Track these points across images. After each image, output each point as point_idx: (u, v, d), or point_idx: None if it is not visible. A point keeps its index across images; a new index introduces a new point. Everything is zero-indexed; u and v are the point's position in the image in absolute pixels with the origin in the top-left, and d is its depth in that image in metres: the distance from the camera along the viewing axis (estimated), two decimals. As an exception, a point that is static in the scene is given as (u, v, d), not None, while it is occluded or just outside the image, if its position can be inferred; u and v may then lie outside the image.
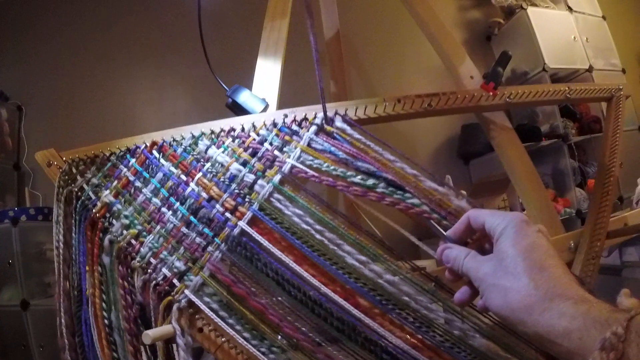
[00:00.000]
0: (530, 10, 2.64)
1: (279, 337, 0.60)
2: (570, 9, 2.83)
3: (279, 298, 0.62)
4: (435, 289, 0.64)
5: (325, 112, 0.74)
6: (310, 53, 0.67)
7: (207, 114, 0.78)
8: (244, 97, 0.81)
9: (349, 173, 0.69)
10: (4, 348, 1.91)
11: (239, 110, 0.81)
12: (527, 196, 0.95)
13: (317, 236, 0.64)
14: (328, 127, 0.74)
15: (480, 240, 0.53)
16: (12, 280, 1.96)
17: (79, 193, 0.73)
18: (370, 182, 0.68)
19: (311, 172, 0.69)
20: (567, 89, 1.01)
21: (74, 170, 0.74)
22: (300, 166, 0.70)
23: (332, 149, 0.71)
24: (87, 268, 0.69)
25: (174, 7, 2.39)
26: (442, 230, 0.56)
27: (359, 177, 0.68)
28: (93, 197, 0.73)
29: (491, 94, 0.92)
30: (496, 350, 0.64)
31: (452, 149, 2.66)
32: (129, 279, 0.68)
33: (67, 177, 0.74)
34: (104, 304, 0.67)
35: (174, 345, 0.62)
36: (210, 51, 0.99)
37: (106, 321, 0.66)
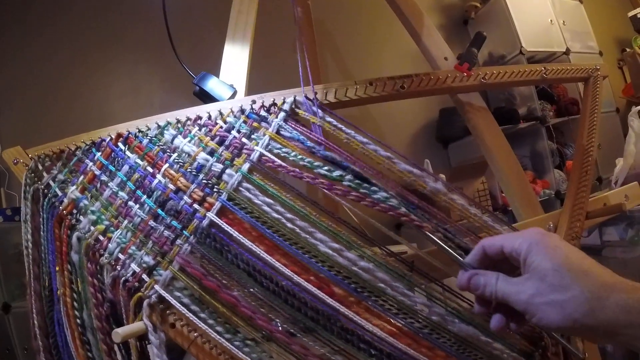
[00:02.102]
0: (507, -7, 2.64)
1: (257, 331, 0.58)
2: (547, -8, 2.83)
3: (251, 290, 0.60)
4: (412, 274, 0.63)
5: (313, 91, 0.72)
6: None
7: (183, 105, 0.75)
8: (211, 84, 0.78)
9: (315, 163, 0.67)
10: (-12, 352, 1.86)
11: (206, 98, 0.78)
12: (505, 177, 0.95)
13: (289, 225, 0.63)
14: (299, 112, 0.72)
15: (497, 266, 0.52)
16: (-7, 283, 1.91)
17: (46, 190, 0.71)
18: (337, 173, 0.67)
19: (279, 162, 0.68)
20: (543, 69, 1.00)
21: (40, 167, 0.72)
22: (269, 155, 0.68)
23: (301, 137, 0.69)
24: (56, 267, 0.67)
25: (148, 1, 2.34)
26: (461, 259, 0.54)
27: (326, 167, 0.67)
28: (59, 193, 0.70)
29: (465, 74, 0.91)
30: (476, 335, 0.63)
31: (431, 133, 2.64)
32: (99, 276, 0.66)
33: (33, 174, 0.71)
34: (75, 303, 0.65)
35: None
36: (179, 40, 0.96)
37: (78, 320, 0.64)
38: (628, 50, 3.25)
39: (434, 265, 0.66)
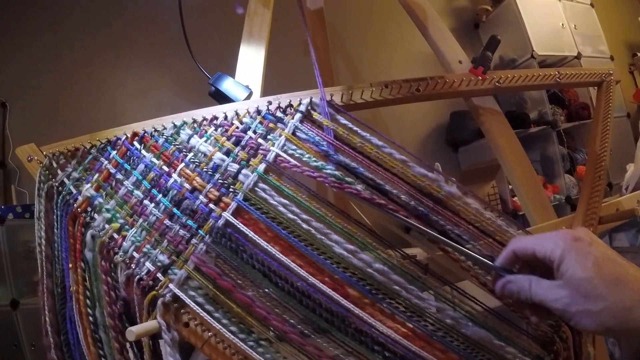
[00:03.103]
0: (518, -3, 2.63)
1: (271, 331, 0.58)
2: (558, -4, 2.82)
3: (266, 290, 0.60)
4: (426, 277, 0.63)
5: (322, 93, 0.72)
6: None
7: (193, 105, 0.75)
8: (226, 85, 0.79)
9: (328, 166, 0.67)
10: (-4, 348, 1.88)
11: (222, 98, 0.78)
12: (518, 181, 0.94)
13: (304, 226, 0.63)
14: (314, 114, 0.72)
15: (528, 267, 0.53)
16: (1, 280, 1.92)
17: (60, 188, 0.71)
18: (348, 179, 0.67)
19: (294, 162, 0.68)
20: (557, 73, 1.00)
21: (55, 165, 0.72)
22: (284, 155, 0.68)
23: (317, 138, 0.69)
24: (69, 265, 0.67)
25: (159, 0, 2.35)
26: (490, 263, 0.55)
27: (338, 172, 0.67)
28: (74, 191, 0.70)
29: (480, 78, 0.90)
30: (489, 338, 0.63)
31: (441, 136, 2.64)
32: (112, 274, 0.66)
33: (47, 171, 0.71)
34: (88, 301, 0.65)
35: (161, 341, 0.61)
36: (194, 40, 0.96)
37: (91, 318, 0.64)
38: (639, 54, 3.23)
39: (447, 268, 0.66)
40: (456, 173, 2.48)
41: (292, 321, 0.59)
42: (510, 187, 2.09)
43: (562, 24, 2.74)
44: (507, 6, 2.66)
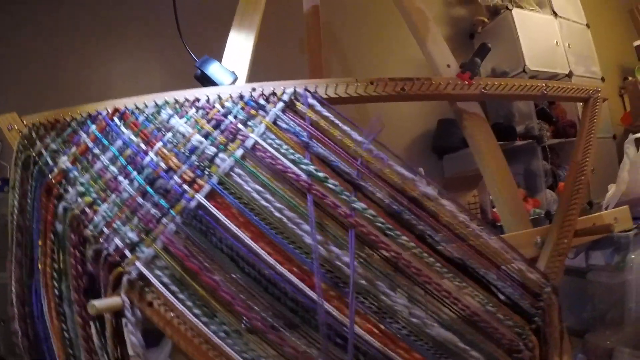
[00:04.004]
0: (516, 11, 2.65)
1: (243, 323, 0.58)
2: (555, 14, 2.84)
3: (233, 275, 0.60)
4: (395, 275, 0.63)
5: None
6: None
7: (183, 88, 0.75)
8: (212, 69, 0.78)
9: (304, 160, 0.67)
10: (-36, 322, 1.84)
11: (207, 81, 0.78)
12: (497, 189, 0.95)
13: (276, 214, 0.63)
14: (297, 104, 0.72)
15: None
16: (-26, 253, 1.89)
17: (37, 158, 0.70)
18: (322, 174, 0.67)
19: (270, 153, 0.67)
20: (544, 85, 1.01)
21: (34, 135, 0.71)
22: (263, 143, 0.68)
23: (297, 129, 0.69)
24: (39, 236, 0.66)
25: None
26: None
27: (312, 167, 0.67)
28: (51, 162, 0.69)
29: (467, 83, 0.91)
30: (454, 341, 0.63)
31: (427, 142, 2.65)
32: (81, 248, 0.65)
33: (26, 141, 0.70)
34: (55, 274, 0.64)
35: (124, 320, 0.60)
36: (184, 23, 0.96)
37: (56, 291, 0.63)
38: (630, 78, 3.27)
39: (418, 267, 0.66)
40: (439, 180, 2.49)
41: (256, 308, 0.58)
42: (491, 197, 2.11)
43: (557, 42, 2.77)
44: (503, 19, 2.68)
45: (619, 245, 2.06)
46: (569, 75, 2.70)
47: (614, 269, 2.08)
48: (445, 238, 0.69)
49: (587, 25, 3.02)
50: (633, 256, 2.04)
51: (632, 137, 2.07)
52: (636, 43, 3.37)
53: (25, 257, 0.68)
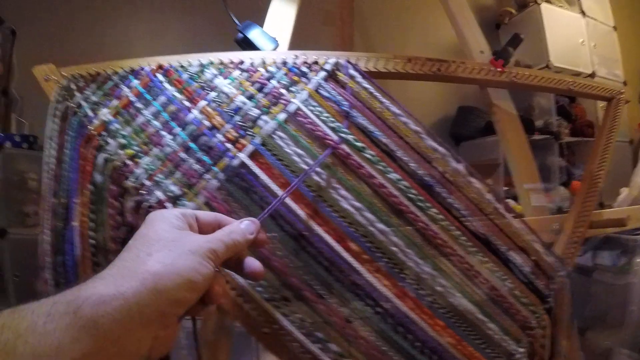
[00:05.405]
0: (544, 6, 2.62)
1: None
2: (583, 13, 2.81)
3: (272, 234, 0.62)
4: (424, 244, 0.66)
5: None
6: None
7: (208, 50, 0.76)
8: (254, 34, 0.79)
9: (343, 129, 0.69)
10: (-23, 275, 1.88)
11: (248, 46, 0.79)
12: (518, 168, 0.98)
13: (315, 177, 0.64)
14: (339, 74, 0.73)
15: None
16: (-9, 207, 1.92)
17: (77, 109, 0.71)
18: (360, 144, 0.68)
19: (310, 119, 0.69)
20: (571, 80, 1.02)
21: (73, 87, 0.72)
22: (304, 109, 0.69)
23: (338, 97, 0.71)
24: (77, 185, 0.67)
25: None
26: None
27: (351, 136, 0.69)
28: (91, 114, 0.70)
29: (499, 70, 0.92)
30: (474, 312, 0.65)
31: (445, 128, 2.66)
32: (120, 199, 0.66)
33: (65, 92, 0.71)
34: (91, 223, 0.65)
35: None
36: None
37: (91, 241, 0.65)
38: (653, 85, 3.24)
39: (444, 239, 0.68)
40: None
41: (291, 265, 0.61)
42: (504, 188, 2.12)
43: (582, 41, 2.75)
44: (531, 12, 2.66)
45: (626, 248, 2.08)
46: (592, 75, 2.68)
47: (619, 271, 2.11)
48: (471, 214, 0.71)
49: (614, 28, 2.99)
50: (639, 260, 2.06)
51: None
52: (662, 50, 3.34)
53: (60, 206, 0.68)
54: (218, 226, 0.49)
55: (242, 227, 0.49)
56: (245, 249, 0.49)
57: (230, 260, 0.47)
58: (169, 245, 0.41)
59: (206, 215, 0.50)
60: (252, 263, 0.49)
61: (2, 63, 2.25)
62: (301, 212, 0.62)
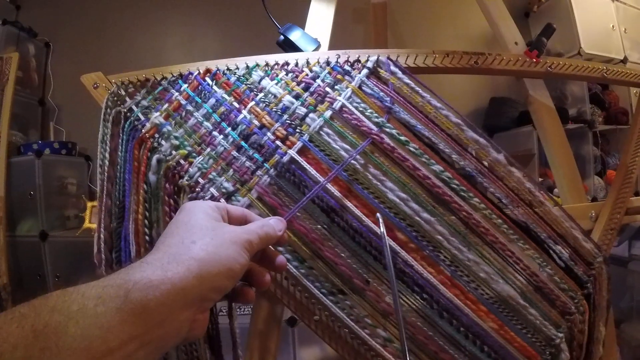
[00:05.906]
0: (573, -8, 2.60)
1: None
2: (612, -3, 2.77)
3: (321, 226, 0.66)
4: (467, 233, 0.68)
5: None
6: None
7: (239, 55, 0.79)
8: (295, 36, 0.83)
9: (387, 124, 0.72)
10: (20, 277, 1.96)
11: (290, 48, 0.82)
12: (557, 160, 0.99)
13: (362, 170, 0.68)
14: (381, 71, 0.76)
15: None
16: (32, 212, 1.99)
17: (128, 114, 0.75)
18: (403, 138, 0.71)
19: (355, 115, 0.72)
20: (604, 68, 1.02)
21: (123, 93, 0.76)
22: (349, 106, 0.72)
23: (381, 94, 0.74)
24: (132, 185, 0.71)
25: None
26: None
27: (395, 130, 0.71)
28: (142, 118, 0.74)
29: (534, 61, 0.94)
30: (516, 296, 0.68)
31: (479, 119, 2.66)
32: (175, 197, 0.70)
33: (115, 98, 0.75)
34: (146, 221, 0.69)
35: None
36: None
37: (147, 237, 0.68)
38: (686, 68, 3.16)
39: (487, 227, 0.70)
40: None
41: (343, 255, 0.64)
42: (539, 179, 2.11)
43: (613, 26, 2.70)
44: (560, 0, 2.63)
45: (664, 238, 2.05)
46: (624, 61, 2.63)
47: (654, 260, 2.07)
48: (512, 202, 0.73)
49: (645, 11, 2.93)
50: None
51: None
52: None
53: (115, 206, 0.72)
54: (245, 221, 0.53)
55: (272, 223, 0.52)
56: (272, 243, 0.53)
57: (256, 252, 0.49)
58: (210, 234, 0.44)
59: (235, 209, 0.53)
60: (278, 257, 0.53)
61: (38, 74, 2.35)
62: (349, 204, 0.65)
